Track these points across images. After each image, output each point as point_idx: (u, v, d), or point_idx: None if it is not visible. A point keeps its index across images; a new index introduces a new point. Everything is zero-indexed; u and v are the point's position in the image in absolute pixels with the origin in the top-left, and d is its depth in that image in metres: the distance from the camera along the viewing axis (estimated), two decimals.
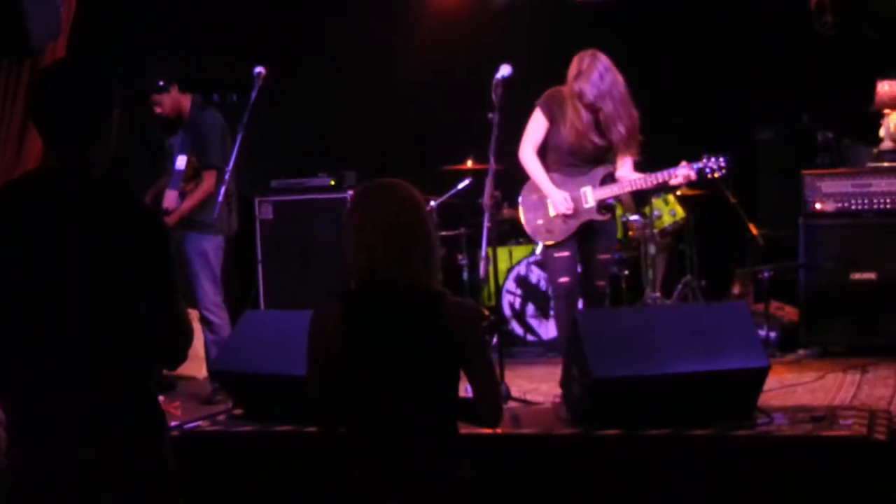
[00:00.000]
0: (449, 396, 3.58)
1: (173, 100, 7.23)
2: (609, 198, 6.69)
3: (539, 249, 7.57)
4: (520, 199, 6.96)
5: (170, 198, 7.11)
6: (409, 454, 3.48)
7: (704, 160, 6.53)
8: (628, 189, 6.74)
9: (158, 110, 7.23)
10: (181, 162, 7.16)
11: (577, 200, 6.66)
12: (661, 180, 6.62)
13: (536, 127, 6.73)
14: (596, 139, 6.60)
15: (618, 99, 6.54)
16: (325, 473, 3.75)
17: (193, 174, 7.19)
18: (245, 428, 5.65)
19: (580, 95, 6.54)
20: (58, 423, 3.19)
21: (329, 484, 3.66)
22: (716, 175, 6.58)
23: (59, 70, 3.48)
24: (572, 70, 6.57)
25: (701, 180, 6.67)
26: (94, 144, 3.32)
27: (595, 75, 6.50)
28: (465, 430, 3.64)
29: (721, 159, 6.52)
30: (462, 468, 3.58)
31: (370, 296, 3.56)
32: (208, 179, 7.15)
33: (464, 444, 3.63)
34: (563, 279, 6.71)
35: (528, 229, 6.92)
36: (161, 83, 7.16)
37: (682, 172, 6.56)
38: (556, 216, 6.70)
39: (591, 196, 6.65)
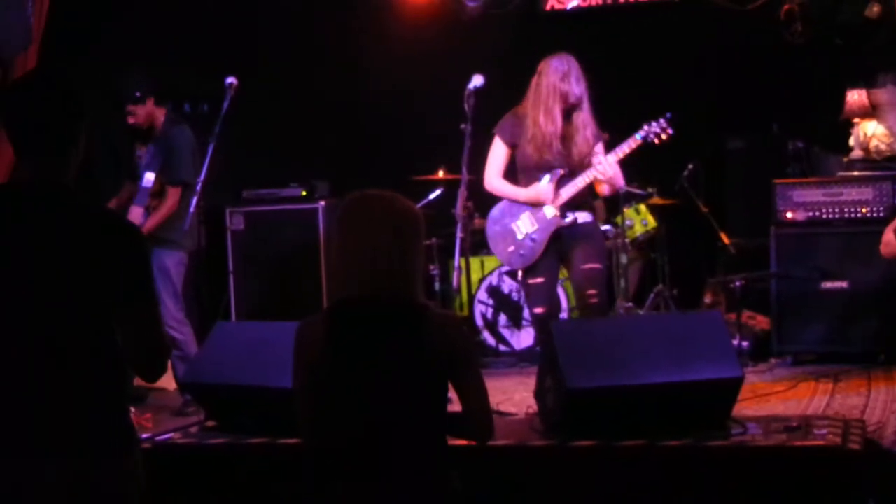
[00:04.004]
0: (436, 410, 3.56)
1: (148, 111, 7.21)
2: (567, 198, 6.42)
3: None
4: (486, 234, 6.82)
5: (135, 214, 7.07)
6: (395, 469, 3.46)
7: (646, 126, 6.32)
8: (582, 184, 6.41)
9: (132, 120, 7.21)
10: (148, 179, 7.14)
11: (539, 213, 6.50)
12: (611, 161, 6.36)
13: (497, 153, 6.64)
14: (558, 146, 6.42)
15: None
16: (300, 487, 3.70)
17: (160, 190, 7.17)
18: (218, 440, 5.60)
19: (565, 96, 6.38)
20: (22, 437, 3.13)
21: (306, 498, 3.62)
22: (662, 137, 6.34)
23: (32, 80, 3.47)
24: (558, 68, 6.43)
25: (648, 144, 6.41)
26: (68, 154, 3.29)
27: (579, 75, 6.41)
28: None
29: (661, 120, 6.30)
30: (449, 482, 3.56)
31: (356, 308, 3.54)
32: (172, 196, 7.16)
33: (451, 457, 3.61)
34: (538, 309, 6.52)
35: (503, 261, 6.77)
36: (138, 94, 7.14)
37: (624, 147, 6.32)
38: (524, 237, 6.53)
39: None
